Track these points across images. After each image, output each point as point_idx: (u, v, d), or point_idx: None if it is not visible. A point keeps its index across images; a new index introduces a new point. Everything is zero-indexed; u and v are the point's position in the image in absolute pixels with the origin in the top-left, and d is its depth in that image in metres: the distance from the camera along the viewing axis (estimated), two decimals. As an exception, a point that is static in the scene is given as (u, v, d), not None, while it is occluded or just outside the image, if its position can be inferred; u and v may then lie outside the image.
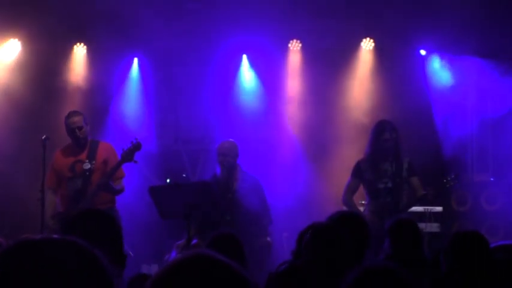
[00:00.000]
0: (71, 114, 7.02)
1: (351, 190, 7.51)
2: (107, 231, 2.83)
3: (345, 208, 7.27)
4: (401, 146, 7.42)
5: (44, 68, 8.94)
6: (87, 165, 6.89)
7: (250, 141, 8.59)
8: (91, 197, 6.79)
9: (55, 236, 1.54)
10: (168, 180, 8.17)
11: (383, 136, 7.33)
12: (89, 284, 1.47)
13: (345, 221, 4.22)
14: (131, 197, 7.81)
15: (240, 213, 7.26)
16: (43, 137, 7.02)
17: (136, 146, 6.69)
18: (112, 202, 7.04)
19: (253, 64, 9.52)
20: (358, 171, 7.47)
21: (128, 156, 6.67)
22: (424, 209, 8.19)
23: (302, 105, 9.28)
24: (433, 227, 8.34)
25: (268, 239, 7.52)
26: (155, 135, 9.22)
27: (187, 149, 9.18)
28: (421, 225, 7.21)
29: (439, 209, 8.50)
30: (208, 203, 6.76)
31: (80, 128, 6.89)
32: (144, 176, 8.83)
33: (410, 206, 7.43)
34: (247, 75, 9.48)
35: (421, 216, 8.11)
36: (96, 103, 9.05)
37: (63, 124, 7.13)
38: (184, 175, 7.98)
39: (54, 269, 1.45)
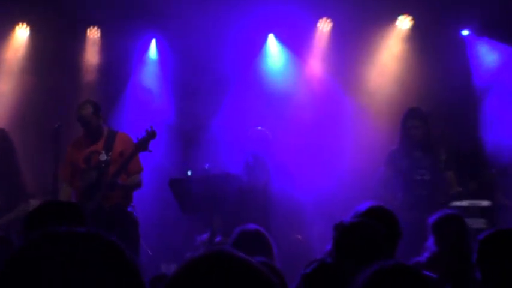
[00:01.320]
0: (81, 104, 6.67)
1: (383, 181, 7.02)
2: None
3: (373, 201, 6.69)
4: (433, 136, 7.05)
5: (56, 55, 8.59)
6: (103, 157, 6.51)
7: (279, 127, 8.02)
8: (104, 192, 6.41)
9: (79, 228, 1.52)
10: (189, 173, 7.56)
11: (407, 123, 6.98)
12: (115, 278, 1.46)
13: (374, 216, 3.85)
14: (148, 191, 7.37)
15: (270, 209, 6.86)
16: (56, 125, 6.73)
17: (151, 135, 6.31)
18: (126, 198, 6.55)
19: (280, 43, 8.95)
20: (391, 160, 7.03)
21: (143, 145, 6.29)
22: (469, 203, 7.47)
23: (330, 90, 8.71)
24: (479, 222, 7.59)
25: (299, 236, 7.25)
26: (175, 121, 8.65)
27: (210, 137, 8.53)
28: (467, 221, 6.56)
29: (486, 203, 7.76)
30: (233, 197, 6.43)
31: (88, 120, 6.55)
32: (162, 167, 8.34)
33: (447, 203, 6.90)
34: (273, 55, 8.92)
35: (466, 211, 7.37)
36: (111, 88, 8.61)
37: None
38: (207, 166, 7.29)
39: (79, 262, 1.45)
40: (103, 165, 6.49)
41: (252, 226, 4.35)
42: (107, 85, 8.58)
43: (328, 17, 8.84)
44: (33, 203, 6.25)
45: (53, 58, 8.53)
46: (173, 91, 8.87)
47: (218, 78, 8.62)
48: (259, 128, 7.29)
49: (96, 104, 6.68)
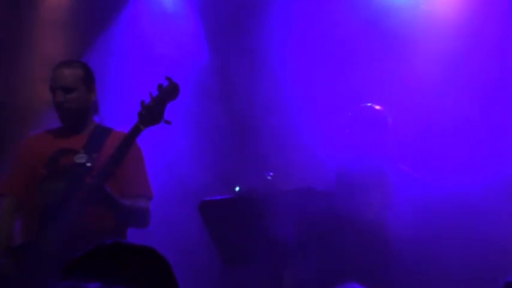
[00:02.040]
0: (60, 65, 4.62)
1: None
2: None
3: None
4: None
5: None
6: (81, 159, 4.48)
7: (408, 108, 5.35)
8: (77, 215, 4.38)
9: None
10: (237, 189, 4.89)
11: None
12: None
13: None
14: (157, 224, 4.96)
15: (392, 255, 4.44)
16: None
17: (171, 89, 4.28)
18: (119, 234, 4.47)
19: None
20: None
21: (154, 109, 4.27)
22: None
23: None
24: None
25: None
26: (209, 92, 5.78)
27: (276, 124, 5.66)
28: None
29: None
30: (321, 232, 4.32)
31: (69, 90, 4.50)
32: (183, 174, 5.75)
33: None
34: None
35: None
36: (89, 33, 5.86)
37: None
38: (270, 175, 4.39)
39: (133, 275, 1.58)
40: (79, 171, 4.44)
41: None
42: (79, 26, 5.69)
43: None
44: None
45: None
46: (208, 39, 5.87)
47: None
48: (370, 105, 4.64)
49: (89, 69, 4.63)
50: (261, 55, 5.84)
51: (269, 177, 4.24)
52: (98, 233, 4.32)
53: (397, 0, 5.72)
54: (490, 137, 5.49)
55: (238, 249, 4.24)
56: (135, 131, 4.34)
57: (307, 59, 5.82)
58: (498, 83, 5.67)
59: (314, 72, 5.75)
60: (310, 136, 5.49)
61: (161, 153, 5.44)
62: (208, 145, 5.88)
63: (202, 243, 5.05)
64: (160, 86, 4.31)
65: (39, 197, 4.53)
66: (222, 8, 6.01)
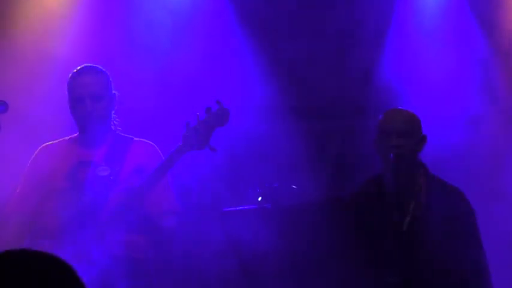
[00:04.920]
0: (78, 72, 4.17)
1: None
2: None
3: None
4: None
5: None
6: (104, 171, 4.13)
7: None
8: (102, 227, 4.02)
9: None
10: (259, 199, 4.32)
11: None
12: None
13: None
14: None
15: (427, 267, 3.97)
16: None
17: (220, 114, 3.90)
18: (136, 246, 4.09)
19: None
20: None
21: (200, 134, 3.89)
22: None
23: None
24: None
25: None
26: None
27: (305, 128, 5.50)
28: None
29: None
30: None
31: (99, 99, 4.10)
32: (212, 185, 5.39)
33: None
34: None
35: None
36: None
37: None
38: (294, 186, 4.02)
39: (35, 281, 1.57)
40: (102, 183, 4.07)
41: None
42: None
43: None
44: None
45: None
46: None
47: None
48: (402, 109, 4.18)
49: (109, 76, 4.21)
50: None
51: (294, 187, 4.00)
52: (121, 254, 4.00)
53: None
54: None
55: (261, 262, 3.80)
56: (178, 155, 3.94)
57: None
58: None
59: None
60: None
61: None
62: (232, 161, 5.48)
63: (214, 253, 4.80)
64: (209, 109, 3.92)
65: (59, 210, 4.15)
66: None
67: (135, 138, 4.29)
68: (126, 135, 4.29)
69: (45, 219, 4.15)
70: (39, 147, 4.31)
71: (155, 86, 5.49)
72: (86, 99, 4.03)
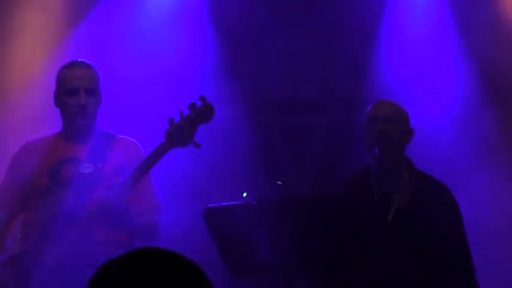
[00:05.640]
0: (73, 64, 4.15)
1: None
2: None
3: None
4: None
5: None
6: (86, 168, 4.08)
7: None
8: (86, 225, 3.96)
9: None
10: (244, 195, 4.30)
11: None
12: None
13: None
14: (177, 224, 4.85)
15: (417, 258, 3.97)
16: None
17: (204, 110, 3.85)
18: (121, 244, 4.01)
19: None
20: None
21: (184, 130, 3.82)
22: None
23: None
24: None
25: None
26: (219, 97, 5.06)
27: (289, 124, 5.42)
28: None
29: None
30: (337, 242, 3.66)
31: (93, 93, 4.08)
32: (197, 182, 5.31)
33: None
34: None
35: None
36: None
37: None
38: (280, 181, 3.96)
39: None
40: (86, 181, 4.02)
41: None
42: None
43: None
44: None
45: None
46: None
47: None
48: (389, 100, 4.23)
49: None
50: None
51: (280, 182, 3.96)
52: (106, 253, 3.81)
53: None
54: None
55: (247, 258, 3.78)
56: (161, 152, 3.87)
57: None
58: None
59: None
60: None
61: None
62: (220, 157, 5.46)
63: (205, 252, 4.75)
64: (192, 105, 3.86)
65: (42, 207, 4.11)
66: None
67: (118, 136, 4.26)
68: (108, 132, 4.25)
69: (27, 217, 4.11)
70: (21, 144, 4.27)
71: (137, 82, 5.50)
72: (81, 91, 4.00)
